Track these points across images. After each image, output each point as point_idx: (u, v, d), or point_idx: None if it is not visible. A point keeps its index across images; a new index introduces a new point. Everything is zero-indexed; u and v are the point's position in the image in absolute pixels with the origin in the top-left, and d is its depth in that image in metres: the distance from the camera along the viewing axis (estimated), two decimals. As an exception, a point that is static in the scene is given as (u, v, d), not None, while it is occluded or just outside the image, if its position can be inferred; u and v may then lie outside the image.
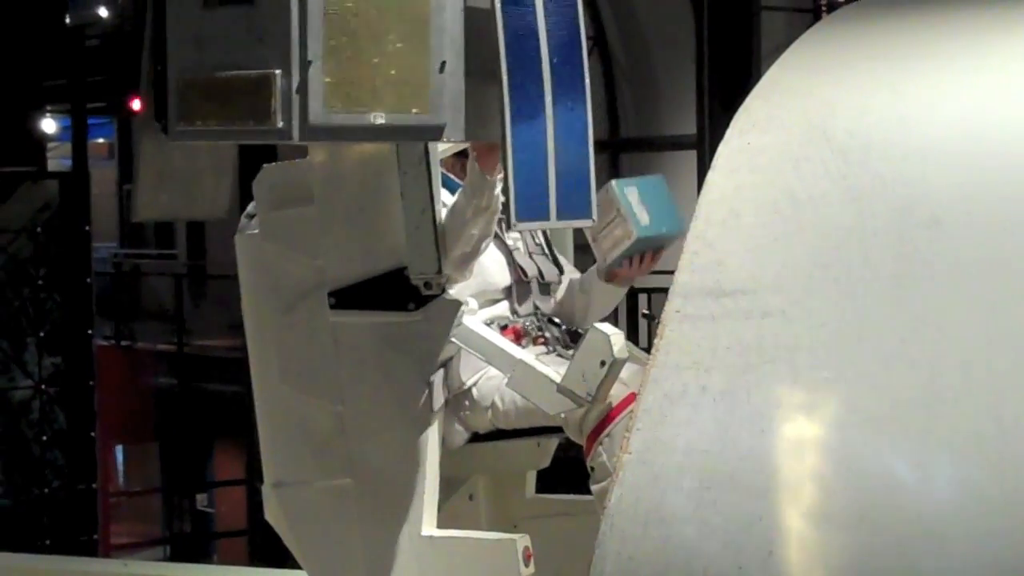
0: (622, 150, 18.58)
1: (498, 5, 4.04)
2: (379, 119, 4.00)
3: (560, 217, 4.18)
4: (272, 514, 4.91)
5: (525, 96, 4.09)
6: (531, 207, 4.11)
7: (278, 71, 3.95)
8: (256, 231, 4.85)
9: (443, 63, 4.03)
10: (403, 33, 3.99)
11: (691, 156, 15.02)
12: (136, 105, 20.47)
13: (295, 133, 3.98)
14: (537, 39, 4.12)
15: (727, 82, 14.61)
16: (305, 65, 3.94)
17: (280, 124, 3.96)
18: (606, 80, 19.17)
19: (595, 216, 4.23)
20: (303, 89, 3.94)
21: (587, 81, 4.20)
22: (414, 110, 4.03)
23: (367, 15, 3.97)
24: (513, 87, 4.05)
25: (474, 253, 4.60)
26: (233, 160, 4.72)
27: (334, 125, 3.99)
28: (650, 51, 18.31)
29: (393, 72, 4.00)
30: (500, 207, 4.57)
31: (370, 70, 3.98)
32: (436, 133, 4.07)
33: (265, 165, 4.84)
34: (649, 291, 14.76)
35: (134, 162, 4.43)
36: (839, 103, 3.73)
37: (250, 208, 4.90)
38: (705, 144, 14.55)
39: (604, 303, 5.03)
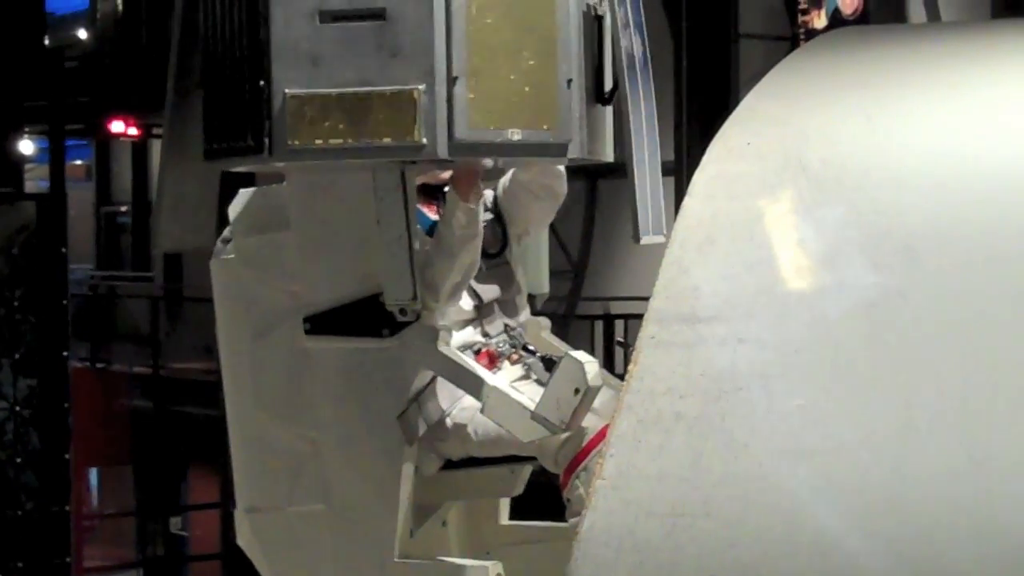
0: (600, 176, 18.54)
1: (619, 25, 4.13)
2: (516, 135, 4.03)
3: (654, 233, 4.32)
4: (245, 539, 4.89)
5: (638, 115, 4.21)
6: (647, 223, 4.23)
7: (420, 87, 3.95)
8: (232, 255, 4.83)
9: (569, 80, 4.07)
10: (535, 50, 4.04)
11: (668, 182, 15.02)
12: (115, 127, 20.52)
13: (441, 149, 4.00)
14: (634, 58, 4.22)
15: (705, 109, 14.65)
16: (451, 81, 3.95)
17: (424, 140, 3.97)
18: (584, 106, 19.11)
19: (666, 232, 4.28)
20: (450, 105, 3.96)
21: (653, 101, 4.33)
22: (544, 127, 4.06)
23: (504, 33, 4.01)
24: (633, 105, 4.16)
25: (464, 281, 4.59)
26: (216, 188, 4.70)
27: (477, 141, 4.03)
28: (629, 77, 18.31)
29: (527, 89, 4.04)
30: (482, 231, 4.56)
31: (507, 87, 4.02)
32: (562, 151, 4.13)
33: (242, 190, 4.83)
34: (625, 317, 14.76)
35: (156, 192, 4.37)
36: (814, 132, 3.73)
37: (226, 233, 4.88)
38: (683, 170, 14.57)
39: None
